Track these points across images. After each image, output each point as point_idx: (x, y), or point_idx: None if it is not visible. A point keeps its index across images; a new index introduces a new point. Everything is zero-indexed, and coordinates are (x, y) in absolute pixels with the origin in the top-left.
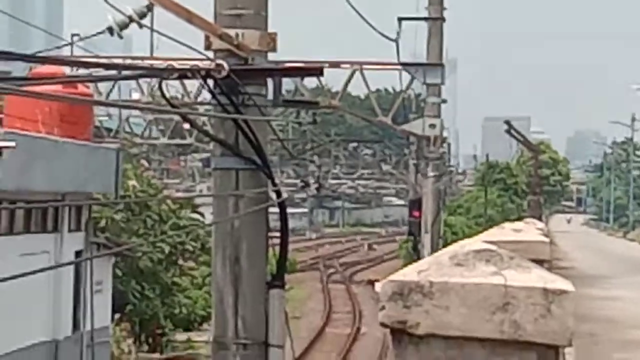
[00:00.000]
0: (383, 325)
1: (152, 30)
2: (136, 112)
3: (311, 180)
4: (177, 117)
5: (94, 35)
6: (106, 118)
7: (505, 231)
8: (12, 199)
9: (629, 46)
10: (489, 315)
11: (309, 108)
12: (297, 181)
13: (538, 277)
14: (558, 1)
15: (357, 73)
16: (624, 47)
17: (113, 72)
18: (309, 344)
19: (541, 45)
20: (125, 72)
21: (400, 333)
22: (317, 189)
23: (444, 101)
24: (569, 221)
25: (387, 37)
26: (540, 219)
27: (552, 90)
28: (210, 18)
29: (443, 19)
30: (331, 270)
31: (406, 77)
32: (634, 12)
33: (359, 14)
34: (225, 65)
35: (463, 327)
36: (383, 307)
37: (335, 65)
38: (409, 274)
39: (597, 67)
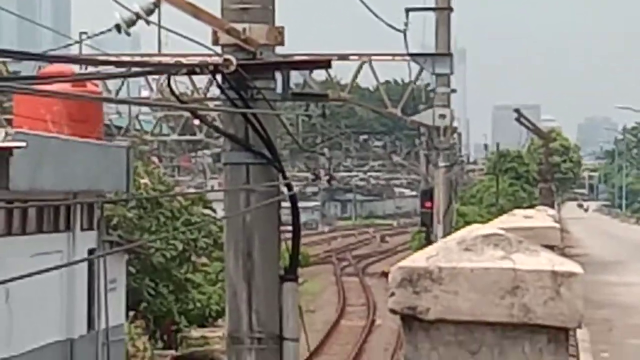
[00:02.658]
0: (393, 311)
1: (159, 27)
2: (146, 110)
3: (322, 173)
4: (186, 114)
5: (102, 33)
6: (116, 116)
7: (516, 218)
8: (24, 198)
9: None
10: (499, 299)
11: (318, 101)
12: (308, 174)
13: (547, 260)
14: None
15: (366, 65)
16: (635, 33)
17: (121, 69)
18: (324, 336)
19: (550, 32)
20: (133, 69)
21: (410, 319)
22: (329, 182)
23: (454, 91)
24: (586, 210)
25: (394, 29)
26: (552, 206)
27: (562, 77)
28: (217, 13)
29: (450, 9)
30: (344, 263)
31: (415, 68)
32: None
33: (366, 5)
34: (233, 59)
35: (473, 312)
36: (393, 294)
37: (343, 57)
38: (418, 260)
39: (606, 52)
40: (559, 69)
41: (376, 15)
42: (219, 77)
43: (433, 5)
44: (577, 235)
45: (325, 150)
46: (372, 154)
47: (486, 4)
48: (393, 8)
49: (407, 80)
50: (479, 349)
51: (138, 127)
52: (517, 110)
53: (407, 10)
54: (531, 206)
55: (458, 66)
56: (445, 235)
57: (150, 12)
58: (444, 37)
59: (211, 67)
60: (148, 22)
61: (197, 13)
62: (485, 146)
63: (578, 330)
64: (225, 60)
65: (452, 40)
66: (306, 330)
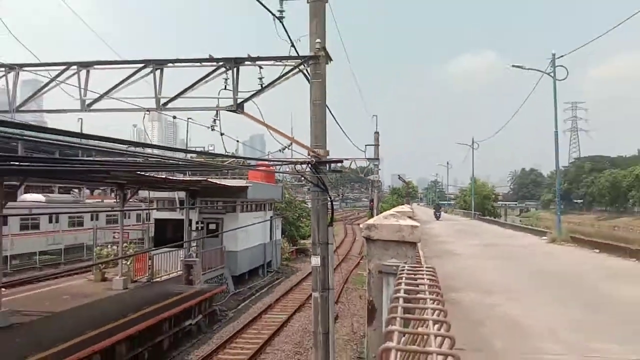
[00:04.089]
0: (364, 237)
1: (291, 150)
2: (289, 177)
3: (340, 194)
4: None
5: (278, 151)
6: (279, 177)
7: (398, 208)
8: (251, 201)
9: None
10: (395, 233)
11: (338, 172)
12: (335, 195)
13: (409, 222)
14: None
15: (354, 162)
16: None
17: (279, 164)
18: (340, 243)
19: (417, 145)
20: (284, 163)
21: (368, 239)
22: (342, 197)
23: (379, 169)
24: (420, 206)
25: (359, 149)
26: (409, 204)
27: (419, 163)
28: (307, 142)
29: (378, 144)
30: (346, 221)
31: (368, 162)
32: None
33: (350, 139)
34: (314, 160)
35: (387, 237)
36: (363, 231)
37: (346, 160)
38: (370, 221)
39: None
40: (418, 159)
41: (353, 144)
42: (310, 165)
43: (374, 142)
44: (417, 213)
45: (340, 187)
46: (355, 188)
47: (391, 136)
48: (356, 131)
49: (365, 164)
50: (389, 248)
51: (282, 178)
52: (399, 175)
53: (366, 146)
54: (402, 204)
55: (381, 162)
56: (377, 214)
57: (289, 146)
58: (377, 153)
59: (309, 162)
60: (288, 148)
61: (304, 146)
62: (389, 186)
63: (418, 244)
64: (311, 160)
65: (380, 153)
66: (334, 241)
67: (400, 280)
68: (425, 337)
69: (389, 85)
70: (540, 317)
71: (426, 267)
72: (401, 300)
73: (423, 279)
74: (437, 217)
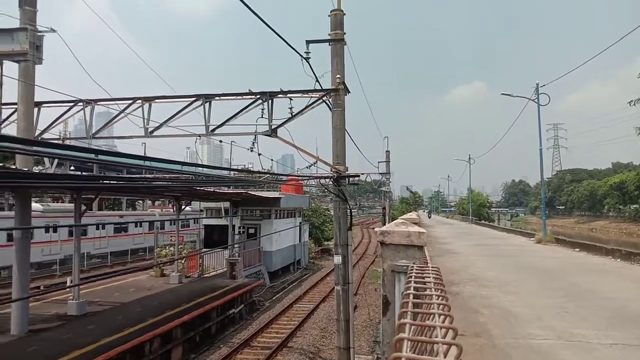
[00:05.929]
0: (378, 241)
1: (316, 167)
2: (315, 188)
3: (358, 204)
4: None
5: (303, 169)
6: (306, 189)
7: (407, 215)
8: (284, 209)
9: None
10: (405, 238)
11: (356, 184)
12: (353, 204)
13: (418, 229)
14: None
15: (369, 176)
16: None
17: (305, 178)
18: (357, 244)
19: (423, 154)
20: (310, 178)
21: (382, 243)
22: (359, 205)
23: (390, 181)
24: (425, 213)
25: (373, 165)
26: (416, 212)
27: (423, 175)
28: (330, 161)
29: (389, 161)
30: (362, 226)
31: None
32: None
33: (365, 157)
34: (335, 175)
35: (398, 242)
36: (377, 236)
37: (362, 174)
38: (384, 227)
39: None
40: (423, 172)
41: (368, 160)
42: (332, 179)
43: (384, 158)
44: (422, 219)
45: (357, 197)
46: (370, 197)
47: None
48: (372, 148)
49: (379, 178)
50: (400, 251)
51: (308, 190)
52: (407, 187)
53: (379, 162)
54: (410, 212)
55: (392, 175)
56: (389, 221)
57: (315, 163)
58: (388, 168)
59: (331, 176)
60: (314, 165)
61: (327, 164)
62: (399, 196)
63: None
64: (334, 175)
65: (391, 167)
66: (353, 242)
67: (410, 279)
68: (432, 328)
69: (399, 110)
70: (529, 306)
71: (432, 267)
72: (411, 296)
73: (429, 277)
74: (429, 217)
